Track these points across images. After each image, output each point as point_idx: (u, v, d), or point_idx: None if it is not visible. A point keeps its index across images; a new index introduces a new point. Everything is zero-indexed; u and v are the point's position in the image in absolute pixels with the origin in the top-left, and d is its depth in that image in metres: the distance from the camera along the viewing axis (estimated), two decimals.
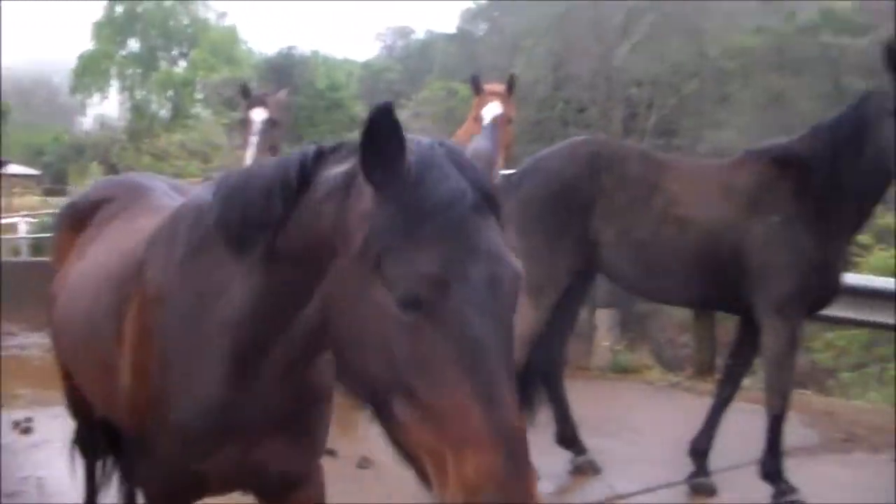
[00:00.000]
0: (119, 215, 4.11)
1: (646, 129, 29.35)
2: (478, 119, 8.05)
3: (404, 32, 67.96)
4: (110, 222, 4.12)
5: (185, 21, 70.86)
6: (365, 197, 2.33)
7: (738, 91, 33.44)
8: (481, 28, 49.16)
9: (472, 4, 51.26)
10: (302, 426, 3.09)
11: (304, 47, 48.60)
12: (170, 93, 65.60)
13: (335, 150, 2.63)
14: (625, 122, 29.90)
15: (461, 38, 49.81)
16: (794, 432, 7.07)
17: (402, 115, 27.46)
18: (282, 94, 9.05)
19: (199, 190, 3.48)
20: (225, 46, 66.35)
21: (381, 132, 2.24)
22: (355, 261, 2.29)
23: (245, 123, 8.49)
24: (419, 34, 64.75)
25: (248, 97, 8.74)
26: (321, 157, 2.61)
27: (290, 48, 46.94)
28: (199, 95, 57.79)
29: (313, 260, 2.49)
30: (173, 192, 4.25)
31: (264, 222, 2.65)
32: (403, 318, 2.14)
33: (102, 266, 3.68)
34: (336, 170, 2.51)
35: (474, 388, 2.07)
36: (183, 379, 2.93)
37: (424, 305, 2.14)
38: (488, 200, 2.31)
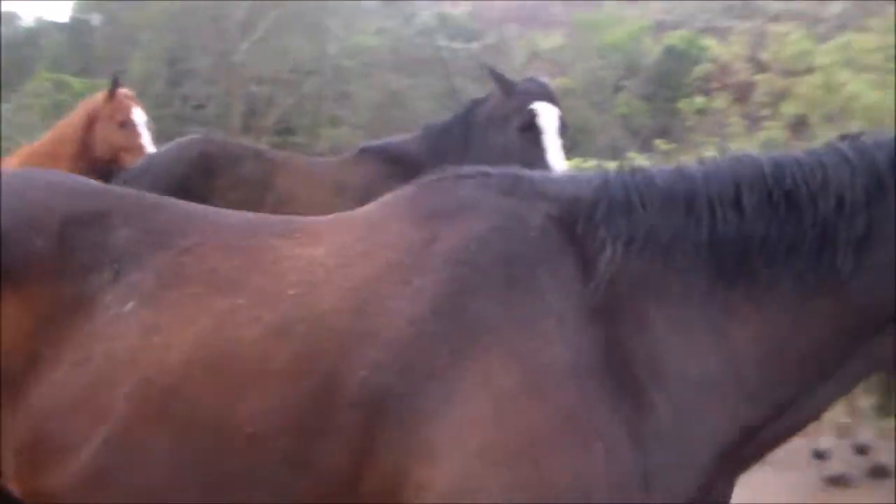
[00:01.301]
0: (184, 246, 2.69)
1: (265, 126, 29.36)
2: (126, 124, 7.79)
3: (10, 18, 63.57)
4: (182, 259, 2.66)
5: None
6: None
7: (358, 90, 34.21)
8: (96, 18, 47.11)
9: None
10: None
11: None
12: None
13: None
14: (244, 120, 29.72)
15: (74, 27, 47.39)
16: None
17: (6, 108, 25.78)
18: None
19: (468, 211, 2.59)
20: None
21: None
22: None
23: None
24: (27, 21, 60.95)
25: None
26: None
27: None
28: None
29: None
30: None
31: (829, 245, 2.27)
32: None
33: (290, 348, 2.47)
34: None
35: None
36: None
37: None
38: None
